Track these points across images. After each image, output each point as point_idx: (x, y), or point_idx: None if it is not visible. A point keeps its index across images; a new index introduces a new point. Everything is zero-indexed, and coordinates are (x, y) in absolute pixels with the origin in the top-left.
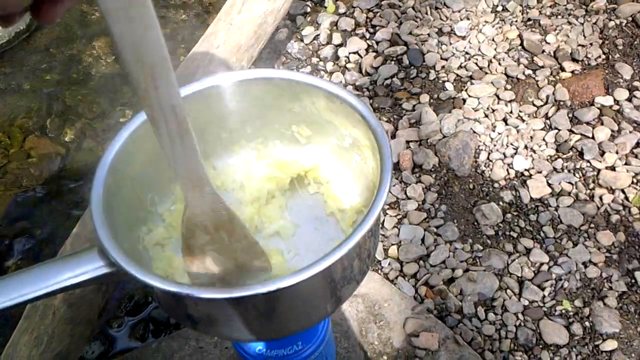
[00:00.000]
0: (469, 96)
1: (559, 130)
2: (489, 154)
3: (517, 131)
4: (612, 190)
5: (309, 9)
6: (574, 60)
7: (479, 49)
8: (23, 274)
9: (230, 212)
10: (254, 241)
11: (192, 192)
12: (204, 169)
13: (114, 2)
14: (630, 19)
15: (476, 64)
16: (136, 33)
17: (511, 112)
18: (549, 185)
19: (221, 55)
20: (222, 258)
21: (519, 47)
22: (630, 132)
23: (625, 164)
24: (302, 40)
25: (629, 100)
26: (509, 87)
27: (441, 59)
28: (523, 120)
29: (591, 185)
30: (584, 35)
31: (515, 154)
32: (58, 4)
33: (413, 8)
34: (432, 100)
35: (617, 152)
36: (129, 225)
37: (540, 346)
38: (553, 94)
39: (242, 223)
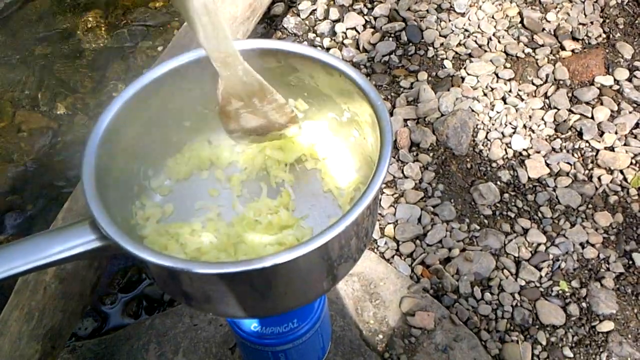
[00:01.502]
0: (468, 74)
1: (558, 109)
2: (487, 133)
3: (516, 110)
4: (610, 171)
5: None
6: (574, 39)
7: (479, 26)
8: (13, 246)
9: (260, 82)
10: (283, 102)
11: (224, 68)
12: (234, 47)
13: None
14: None
15: (475, 41)
16: None
17: (510, 90)
18: (547, 165)
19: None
20: (256, 117)
21: (519, 25)
22: (630, 112)
23: (625, 144)
24: (298, 15)
25: (629, 80)
26: (508, 65)
27: (440, 36)
28: (522, 99)
29: (590, 166)
30: (584, 14)
31: (514, 133)
32: None
33: None
34: (430, 78)
35: (616, 133)
36: (122, 199)
37: (537, 326)
38: (553, 72)
39: (271, 89)
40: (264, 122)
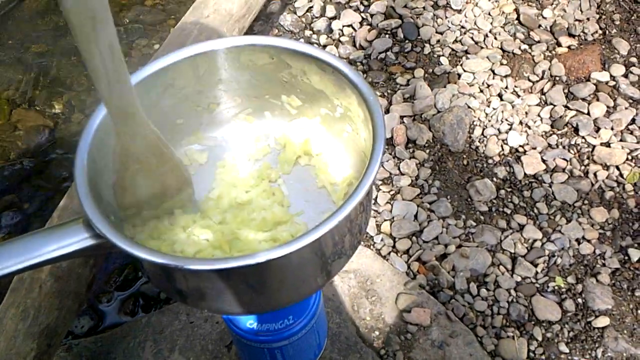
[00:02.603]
0: (464, 71)
1: (555, 105)
2: (484, 129)
3: (512, 107)
4: (606, 167)
5: None
6: (571, 35)
7: (475, 23)
8: (7, 245)
9: (157, 135)
10: (179, 161)
11: (124, 122)
12: (136, 96)
13: None
14: None
15: (472, 38)
16: None
17: (506, 87)
18: (544, 161)
19: (211, 24)
20: (151, 182)
21: (515, 22)
22: (626, 108)
23: (621, 140)
24: (295, 13)
25: (625, 76)
26: (504, 62)
27: (436, 32)
28: (518, 96)
29: (586, 162)
30: (580, 10)
31: (510, 129)
32: None
33: None
34: (426, 75)
35: (612, 129)
36: None
37: (533, 322)
38: (549, 69)
39: (167, 144)
40: (159, 189)
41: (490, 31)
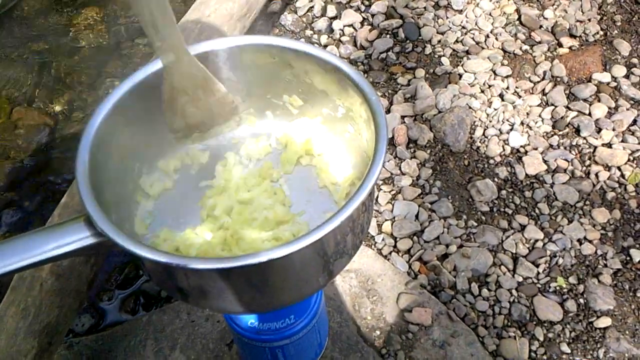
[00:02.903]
0: (465, 71)
1: (556, 106)
2: (485, 129)
3: (514, 107)
4: (608, 168)
5: None
6: (572, 36)
7: (476, 24)
8: (7, 243)
9: (204, 73)
10: (225, 91)
11: (169, 59)
12: (180, 36)
13: None
14: None
15: (473, 38)
16: None
17: (507, 87)
18: (545, 161)
19: (212, 24)
20: (200, 111)
21: (517, 22)
22: (628, 109)
23: (622, 141)
24: (295, 12)
25: (627, 77)
26: (505, 62)
27: (437, 33)
28: (519, 96)
29: (587, 162)
30: (582, 11)
31: (511, 130)
32: None
33: None
34: (427, 75)
35: (613, 129)
36: (118, 197)
37: (534, 322)
38: (550, 70)
39: (214, 79)
40: (207, 117)
41: (491, 32)
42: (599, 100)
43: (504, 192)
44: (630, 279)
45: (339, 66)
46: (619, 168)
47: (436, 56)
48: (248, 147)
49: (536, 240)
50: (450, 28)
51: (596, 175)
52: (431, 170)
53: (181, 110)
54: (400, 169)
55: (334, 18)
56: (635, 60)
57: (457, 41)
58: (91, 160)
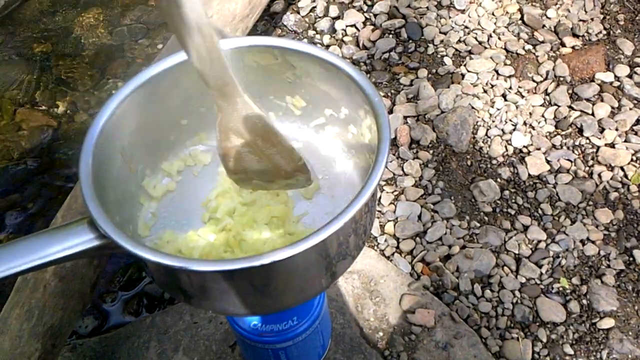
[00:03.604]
0: (468, 71)
1: (559, 106)
2: (488, 130)
3: (516, 107)
4: (611, 168)
5: None
6: (575, 35)
7: (479, 23)
8: (11, 246)
9: (263, 119)
10: (290, 146)
11: (221, 98)
12: (234, 80)
13: None
14: None
15: (475, 38)
16: None
17: (510, 87)
18: (548, 162)
19: (215, 25)
20: (259, 160)
21: (519, 22)
22: (631, 109)
23: (625, 141)
24: (298, 13)
25: (630, 76)
26: (508, 62)
27: (440, 32)
28: (522, 96)
29: (590, 163)
30: (585, 10)
31: (514, 130)
32: None
33: None
34: (430, 75)
35: (616, 129)
36: (121, 199)
37: (537, 323)
38: (553, 69)
39: (276, 131)
40: (269, 167)
41: (494, 31)
42: (602, 100)
43: (506, 192)
44: (634, 280)
45: (342, 67)
46: (622, 168)
47: (439, 56)
48: None
49: (539, 241)
50: (453, 28)
51: (599, 175)
52: (434, 171)
53: (237, 154)
54: (402, 169)
55: (337, 18)
56: (638, 60)
57: (459, 41)
58: (94, 162)
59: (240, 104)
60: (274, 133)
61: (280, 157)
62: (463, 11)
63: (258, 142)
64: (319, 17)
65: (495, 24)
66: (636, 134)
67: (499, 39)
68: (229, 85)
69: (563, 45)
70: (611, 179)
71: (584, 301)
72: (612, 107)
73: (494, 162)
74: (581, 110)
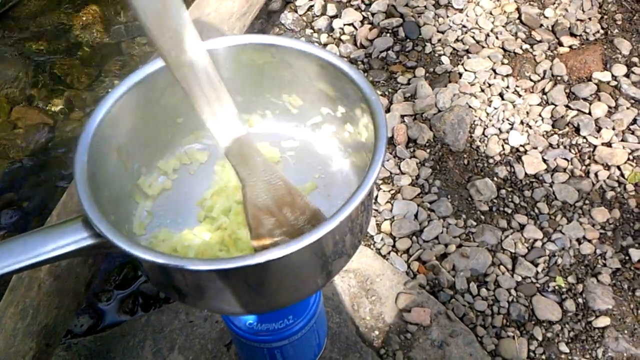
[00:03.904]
0: (465, 70)
1: (556, 105)
2: (485, 129)
3: (513, 106)
4: (607, 167)
5: None
6: (572, 35)
7: (476, 22)
8: (5, 245)
9: (285, 181)
10: (316, 209)
11: (244, 167)
12: (249, 135)
13: None
14: None
15: (473, 37)
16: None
17: (508, 86)
18: (544, 161)
19: (212, 23)
20: (289, 233)
21: (517, 21)
22: (628, 108)
23: (622, 140)
24: (296, 11)
25: (627, 76)
26: (505, 61)
27: (437, 32)
28: (519, 95)
29: (587, 162)
30: (582, 10)
31: (511, 129)
32: None
33: None
34: (427, 74)
35: (613, 129)
36: (116, 197)
37: (533, 322)
38: (550, 69)
39: (298, 191)
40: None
41: (491, 30)
42: (599, 100)
43: (503, 191)
44: (629, 279)
45: (339, 65)
46: (618, 167)
47: (436, 55)
48: None
49: (535, 240)
50: (451, 27)
51: (596, 174)
52: (430, 170)
53: (269, 232)
54: (399, 168)
55: (334, 17)
56: (635, 60)
57: (457, 40)
58: (90, 160)
59: (262, 165)
60: (299, 195)
61: (311, 226)
62: (461, 10)
63: (288, 215)
64: (317, 16)
65: (492, 23)
66: (633, 133)
67: (497, 38)
68: (245, 145)
69: (560, 44)
70: (608, 178)
71: (580, 300)
72: (609, 107)
73: (491, 161)
74: (578, 110)
